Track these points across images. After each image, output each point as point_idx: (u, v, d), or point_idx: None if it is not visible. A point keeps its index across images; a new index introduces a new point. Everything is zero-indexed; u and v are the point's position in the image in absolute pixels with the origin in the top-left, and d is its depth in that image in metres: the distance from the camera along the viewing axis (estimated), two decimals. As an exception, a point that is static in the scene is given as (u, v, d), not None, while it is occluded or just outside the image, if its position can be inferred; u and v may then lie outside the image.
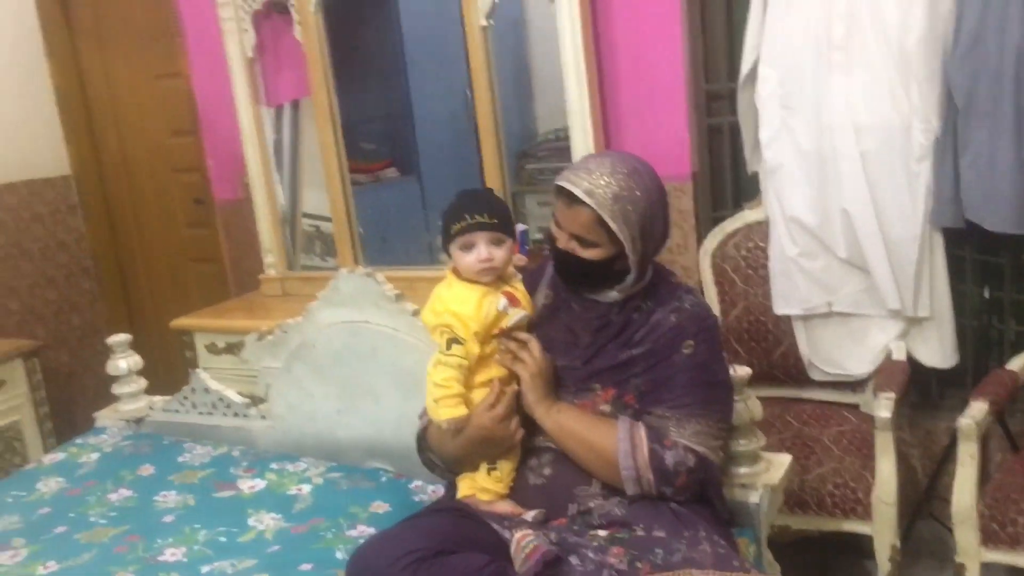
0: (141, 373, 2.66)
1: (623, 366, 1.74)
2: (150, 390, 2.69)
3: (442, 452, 1.85)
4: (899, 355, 2.51)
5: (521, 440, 1.76)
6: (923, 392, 2.80)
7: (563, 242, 1.73)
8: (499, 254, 1.77)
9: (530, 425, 1.78)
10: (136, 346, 2.66)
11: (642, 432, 1.68)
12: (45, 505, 2.22)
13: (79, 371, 4.02)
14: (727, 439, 1.80)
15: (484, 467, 1.77)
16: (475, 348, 1.74)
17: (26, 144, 3.88)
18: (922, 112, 2.38)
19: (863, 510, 2.26)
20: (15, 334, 3.72)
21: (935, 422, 2.76)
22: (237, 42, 3.33)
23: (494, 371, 1.78)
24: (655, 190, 1.72)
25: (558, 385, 1.79)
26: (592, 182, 1.67)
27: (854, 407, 2.66)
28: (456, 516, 1.77)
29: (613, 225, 1.66)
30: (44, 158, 3.95)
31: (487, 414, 1.73)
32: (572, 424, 1.73)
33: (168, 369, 3.66)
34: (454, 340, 1.74)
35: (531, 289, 1.88)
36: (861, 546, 2.42)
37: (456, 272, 1.80)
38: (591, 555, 1.56)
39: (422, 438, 1.91)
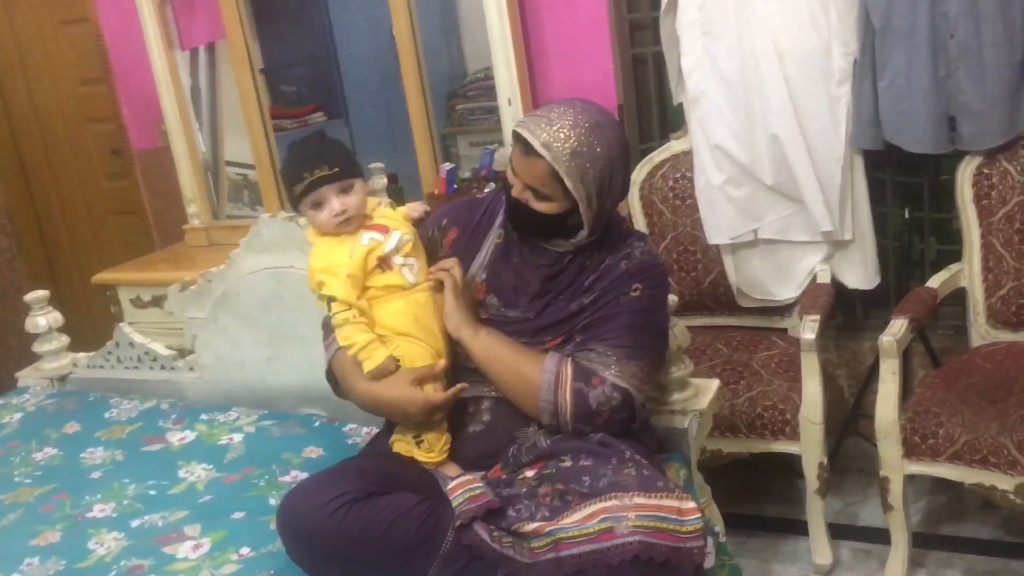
0: (65, 330, 2.58)
1: (573, 316, 1.72)
2: (77, 347, 2.62)
3: (349, 394, 1.79)
4: (824, 278, 2.56)
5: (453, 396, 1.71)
6: (848, 314, 2.87)
7: (517, 190, 1.67)
8: (352, 201, 1.71)
9: (464, 373, 1.75)
10: (59, 303, 2.59)
11: (569, 368, 1.65)
12: (-34, 467, 2.16)
13: (1, 331, 3.90)
14: (654, 387, 1.79)
15: (411, 439, 1.73)
16: (352, 293, 1.69)
17: (-72, 98, 3.70)
18: (841, 34, 2.39)
19: (791, 430, 2.31)
20: (-70, 296, 3.59)
21: (860, 343, 2.82)
22: (145, -18, 3.19)
23: (398, 304, 1.73)
24: (617, 146, 1.65)
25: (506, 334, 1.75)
26: (551, 134, 1.60)
27: (782, 331, 2.71)
28: (387, 458, 1.77)
29: (568, 182, 1.60)
30: (-51, 113, 3.78)
31: (422, 399, 1.67)
32: (499, 348, 1.70)
33: (94, 326, 3.58)
34: (330, 298, 1.70)
35: (486, 225, 1.82)
36: (791, 466, 2.49)
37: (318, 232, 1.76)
38: (524, 501, 1.56)
39: (330, 371, 1.84)
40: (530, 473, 1.64)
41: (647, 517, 1.45)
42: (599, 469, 1.55)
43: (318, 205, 1.71)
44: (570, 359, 1.67)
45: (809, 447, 2.30)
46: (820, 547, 2.39)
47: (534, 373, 1.66)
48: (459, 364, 1.77)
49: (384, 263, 1.73)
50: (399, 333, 1.72)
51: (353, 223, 1.73)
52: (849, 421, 2.78)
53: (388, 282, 1.74)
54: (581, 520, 1.48)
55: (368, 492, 1.56)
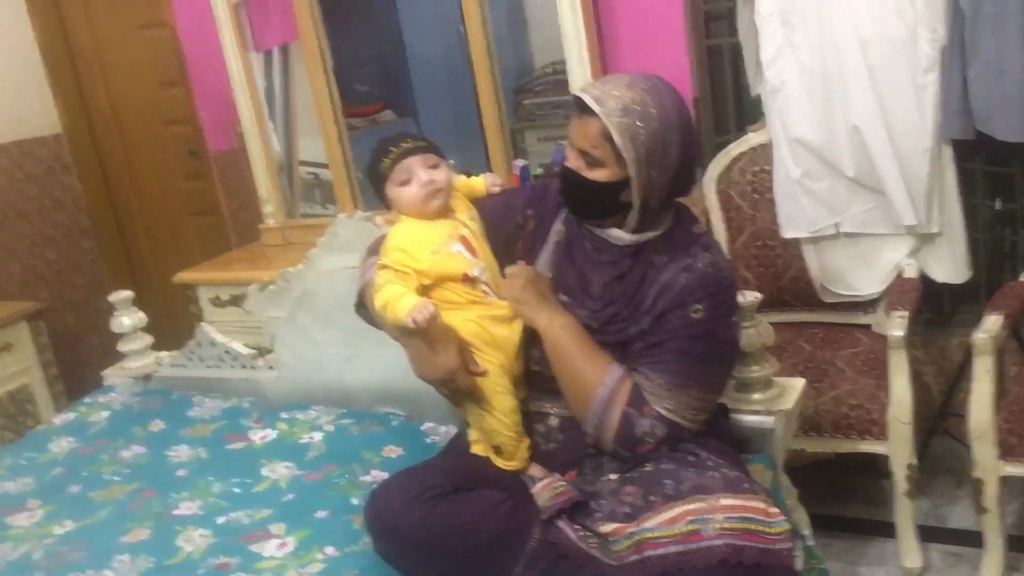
0: (147, 329, 2.63)
1: (633, 340, 1.65)
2: (157, 346, 2.67)
3: (383, 323, 1.72)
4: (910, 272, 2.48)
5: (519, 405, 1.68)
6: (936, 309, 2.77)
7: (572, 160, 1.62)
8: (440, 175, 1.69)
9: (536, 386, 1.71)
10: (140, 302, 2.63)
11: (627, 390, 1.59)
12: (58, 465, 2.21)
13: (85, 331, 4.00)
14: (714, 405, 1.69)
15: (492, 452, 1.71)
16: (412, 279, 1.63)
17: (14, 104, 3.80)
18: (928, 21, 2.31)
19: (879, 430, 2.25)
20: (18, 296, 3.69)
21: (948, 339, 2.73)
22: (221, -13, 3.24)
23: (469, 313, 1.68)
24: (674, 113, 1.56)
25: None
26: (605, 91, 1.54)
27: (866, 327, 2.64)
28: (470, 456, 1.76)
29: (618, 139, 1.52)
30: (34, 117, 3.88)
31: (453, 356, 1.62)
32: (569, 347, 1.63)
33: (174, 324, 3.64)
34: (383, 266, 1.66)
35: (549, 221, 1.78)
36: (878, 466, 2.41)
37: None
38: (607, 499, 1.55)
39: (362, 293, 1.79)
40: (613, 476, 1.61)
41: (735, 519, 1.42)
42: (682, 472, 1.52)
43: (405, 182, 1.68)
44: (631, 381, 1.61)
45: (898, 447, 2.23)
46: (909, 550, 2.32)
47: (593, 381, 1.60)
48: (535, 378, 1.72)
49: (467, 280, 1.69)
50: (464, 343, 1.67)
51: (442, 199, 1.69)
52: (937, 420, 2.69)
53: (467, 293, 1.69)
54: (666, 522, 1.45)
55: (455, 487, 1.56)
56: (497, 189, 1.85)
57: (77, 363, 3.80)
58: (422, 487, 1.54)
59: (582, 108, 1.57)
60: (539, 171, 3.11)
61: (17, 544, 1.89)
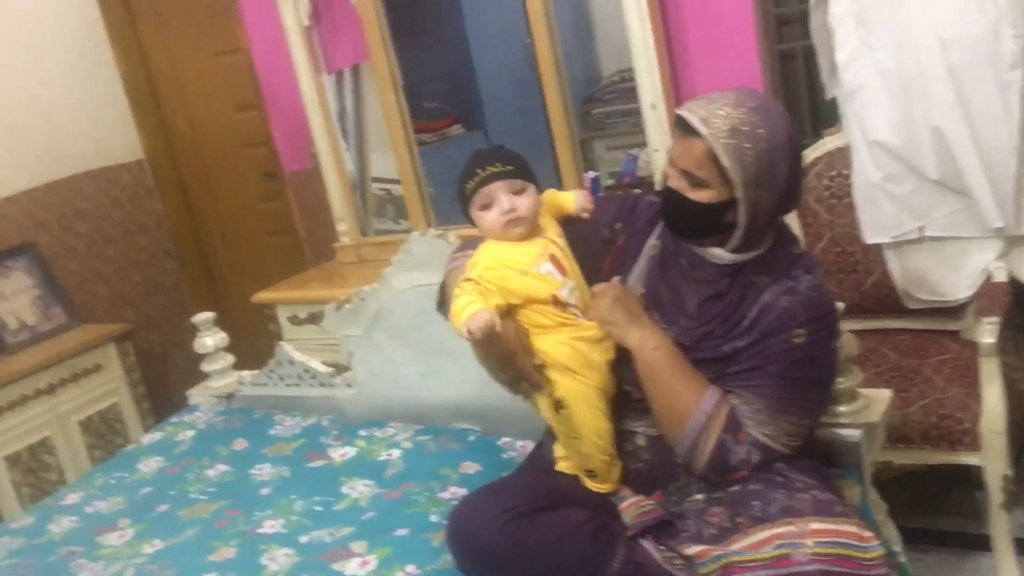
0: (228, 349, 2.69)
1: (727, 359, 1.61)
2: (238, 365, 2.73)
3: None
4: (1000, 277, 2.39)
5: (607, 423, 1.65)
6: (1027, 313, 2.67)
7: (673, 180, 1.58)
8: (523, 203, 1.64)
9: (627, 406, 1.68)
10: (221, 322, 2.69)
11: (723, 416, 1.56)
12: (147, 485, 2.28)
13: (170, 350, 4.11)
14: (809, 431, 1.64)
15: (583, 474, 1.68)
16: (492, 297, 1.59)
17: (99, 132, 3.95)
18: (1010, 16, 2.22)
19: (971, 440, 2.17)
20: (106, 319, 3.82)
21: (1042, 344, 2.62)
22: (292, 11, 3.30)
23: (560, 336, 1.65)
24: (782, 133, 1.52)
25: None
26: (710, 111, 1.51)
27: (953, 334, 2.54)
28: (552, 473, 1.75)
29: (725, 161, 1.48)
30: (117, 144, 4.02)
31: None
32: (663, 369, 1.60)
33: (254, 344, 3.72)
34: (468, 279, 1.62)
35: (642, 236, 1.74)
36: (971, 477, 2.32)
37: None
38: (692, 519, 1.53)
39: (442, 295, 1.80)
40: (699, 496, 1.58)
41: (826, 544, 1.38)
42: (771, 493, 1.49)
43: (487, 205, 1.65)
44: (728, 405, 1.57)
45: (992, 458, 2.15)
46: (1006, 564, 2.22)
47: (689, 405, 1.57)
48: (623, 397, 1.69)
49: (557, 303, 1.65)
50: (561, 367, 1.64)
51: (520, 227, 1.65)
52: (1032, 428, 2.58)
53: (556, 315, 1.65)
54: (754, 546, 1.42)
55: (537, 507, 1.55)
56: (587, 215, 1.78)
57: (163, 382, 3.91)
58: (504, 506, 1.53)
59: (685, 128, 1.54)
60: (610, 182, 3.09)
61: (109, 563, 1.95)
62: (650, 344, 1.62)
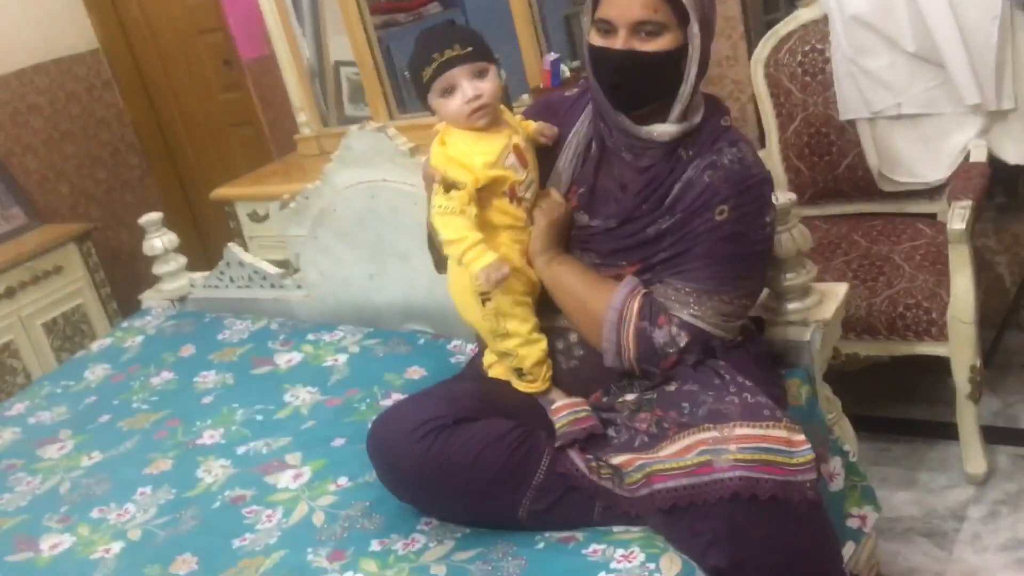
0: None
1: (652, 242, 1.53)
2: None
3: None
4: (978, 155, 2.26)
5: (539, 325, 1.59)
6: (1010, 193, 2.54)
7: (622, 41, 1.46)
8: (487, 87, 1.52)
9: (547, 307, 1.60)
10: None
11: (635, 304, 1.49)
12: (92, 394, 2.23)
13: (139, 249, 4.00)
14: (749, 310, 1.58)
15: (513, 375, 1.60)
16: (473, 198, 1.51)
17: (49, 22, 3.74)
18: None
19: (937, 331, 2.09)
20: (71, 218, 3.72)
21: (1022, 225, 2.51)
22: None
23: (502, 238, 1.57)
24: None
25: (582, 250, 1.60)
26: None
27: (930, 217, 2.43)
28: (484, 380, 1.68)
29: None
30: (69, 34, 3.82)
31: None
32: (569, 279, 1.55)
33: (222, 240, 3.63)
34: (452, 185, 1.52)
35: (567, 126, 1.64)
36: (940, 365, 2.25)
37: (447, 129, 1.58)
38: (623, 427, 1.46)
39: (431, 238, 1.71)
40: (630, 397, 1.51)
41: (750, 449, 1.31)
42: (700, 395, 1.41)
43: (449, 91, 1.53)
44: (640, 294, 1.50)
45: (959, 349, 2.07)
46: (973, 455, 2.18)
47: (600, 308, 1.51)
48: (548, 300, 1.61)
49: (514, 196, 1.56)
50: None
51: (488, 114, 1.54)
52: (1011, 312, 2.50)
53: (507, 213, 1.57)
54: (677, 453, 1.36)
55: (458, 418, 1.47)
56: (547, 140, 1.66)
57: (134, 281, 3.80)
58: (424, 418, 1.46)
59: None
60: (577, 64, 2.91)
61: (46, 477, 1.91)
62: (556, 261, 1.57)
